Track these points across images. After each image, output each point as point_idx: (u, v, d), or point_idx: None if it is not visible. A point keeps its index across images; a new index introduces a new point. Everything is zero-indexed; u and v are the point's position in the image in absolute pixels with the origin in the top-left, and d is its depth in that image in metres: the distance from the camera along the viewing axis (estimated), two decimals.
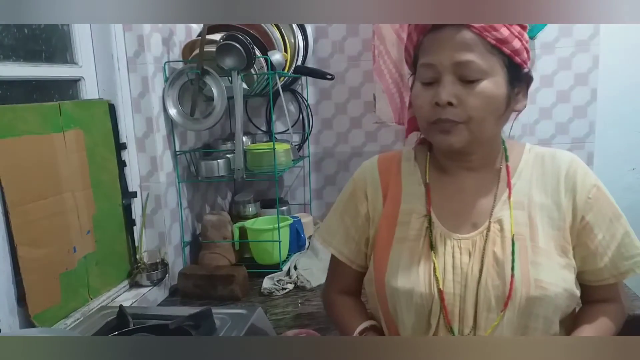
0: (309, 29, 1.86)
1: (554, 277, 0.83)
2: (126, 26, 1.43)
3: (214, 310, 1.07)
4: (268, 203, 1.91)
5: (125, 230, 1.45)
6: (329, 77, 1.81)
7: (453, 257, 0.86)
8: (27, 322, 1.08)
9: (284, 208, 1.89)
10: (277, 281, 1.52)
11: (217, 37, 1.51)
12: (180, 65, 1.58)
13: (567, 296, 0.84)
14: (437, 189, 0.93)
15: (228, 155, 1.67)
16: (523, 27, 0.84)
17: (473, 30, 0.80)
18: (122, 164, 1.44)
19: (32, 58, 1.24)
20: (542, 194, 0.88)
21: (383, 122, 1.78)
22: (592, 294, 0.91)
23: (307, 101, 1.98)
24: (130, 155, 1.47)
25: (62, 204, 1.19)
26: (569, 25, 1.83)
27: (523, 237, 0.85)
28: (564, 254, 0.85)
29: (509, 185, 0.89)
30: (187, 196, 1.66)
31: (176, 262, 1.59)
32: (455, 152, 0.88)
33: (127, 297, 1.39)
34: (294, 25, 1.77)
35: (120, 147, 1.43)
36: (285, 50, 1.70)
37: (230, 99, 1.56)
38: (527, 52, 0.85)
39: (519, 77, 0.85)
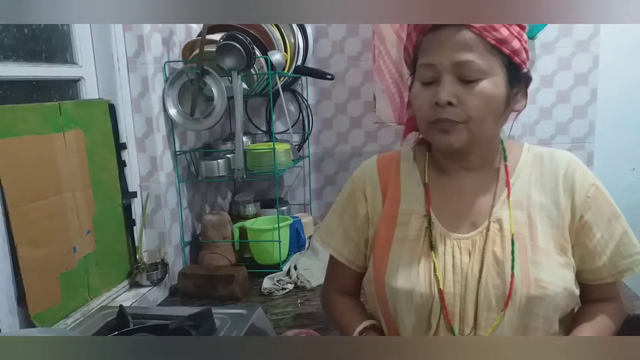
0: (309, 29, 1.87)
1: (554, 276, 0.83)
2: (126, 26, 1.43)
3: (214, 310, 1.07)
4: (268, 203, 1.91)
5: (125, 230, 1.45)
6: (329, 77, 1.81)
7: (453, 256, 0.86)
8: (27, 322, 1.08)
9: (284, 208, 1.89)
10: (277, 281, 1.52)
11: (217, 37, 1.51)
12: (180, 65, 1.58)
13: (567, 295, 0.84)
14: (436, 189, 0.93)
15: (228, 155, 1.67)
16: (522, 28, 0.84)
17: (473, 30, 0.80)
18: (122, 164, 1.44)
19: (32, 58, 1.24)
20: (541, 194, 0.88)
21: (383, 122, 1.78)
22: (591, 293, 0.91)
23: (307, 101, 1.98)
24: (130, 155, 1.47)
25: (62, 204, 1.19)
26: (569, 25, 1.83)
27: (522, 236, 0.85)
28: (563, 253, 0.86)
29: (507, 184, 0.90)
30: (187, 196, 1.66)
31: (176, 262, 1.59)
32: (454, 152, 0.88)
33: (127, 297, 1.39)
34: (294, 25, 1.77)
35: (120, 147, 1.43)
36: (285, 50, 1.70)
37: (230, 99, 1.56)
38: (526, 52, 0.85)
39: (518, 78, 0.85)
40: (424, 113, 0.85)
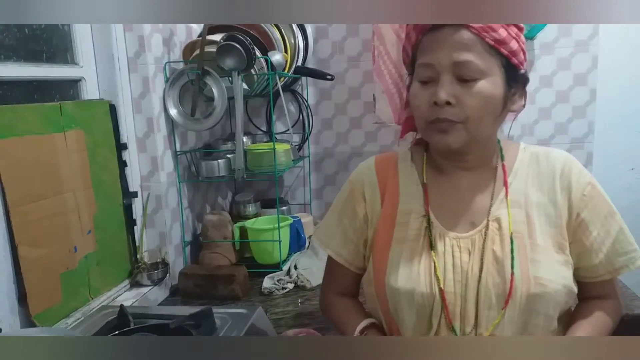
0: (309, 29, 1.87)
1: (553, 274, 0.83)
2: (127, 26, 1.43)
3: (215, 309, 1.07)
4: (268, 203, 1.91)
5: (126, 230, 1.45)
6: (329, 77, 1.82)
7: (453, 256, 0.86)
8: (28, 321, 1.08)
9: (284, 208, 1.89)
10: (278, 281, 1.52)
11: (217, 37, 1.51)
12: (180, 66, 1.59)
13: (566, 292, 0.85)
14: (434, 189, 0.93)
15: (228, 155, 1.67)
16: (520, 29, 0.85)
17: (472, 31, 0.81)
18: (122, 164, 1.44)
19: (33, 58, 1.24)
20: (538, 193, 0.89)
21: (383, 122, 1.78)
22: (588, 291, 0.92)
23: (307, 101, 1.98)
24: (131, 155, 1.48)
25: (63, 203, 1.20)
26: (568, 26, 1.83)
27: (521, 235, 0.86)
28: (561, 250, 0.86)
29: (505, 184, 0.90)
30: (187, 196, 1.67)
31: (177, 262, 1.59)
32: (452, 152, 0.89)
33: (127, 297, 1.39)
34: (294, 26, 1.77)
35: (121, 147, 1.43)
36: (286, 51, 1.71)
37: (231, 99, 1.56)
38: (524, 53, 0.86)
39: (515, 78, 0.86)
40: (422, 112, 0.86)
